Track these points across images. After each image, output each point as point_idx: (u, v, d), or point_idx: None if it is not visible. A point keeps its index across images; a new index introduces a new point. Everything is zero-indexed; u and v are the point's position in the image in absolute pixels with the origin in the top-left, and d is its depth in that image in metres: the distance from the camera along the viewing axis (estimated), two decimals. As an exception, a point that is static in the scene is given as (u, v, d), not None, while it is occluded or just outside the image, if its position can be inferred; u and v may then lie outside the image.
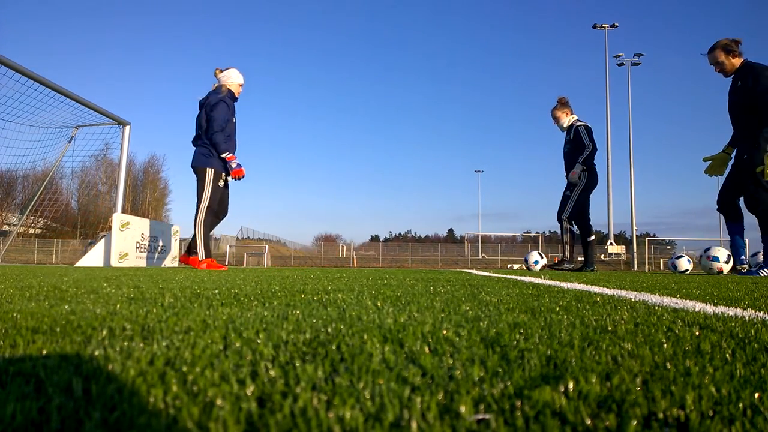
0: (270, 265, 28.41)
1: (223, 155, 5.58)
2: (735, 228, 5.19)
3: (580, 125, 6.41)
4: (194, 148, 5.74)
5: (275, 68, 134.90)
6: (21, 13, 78.46)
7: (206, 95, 5.76)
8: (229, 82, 5.83)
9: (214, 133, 5.52)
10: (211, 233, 6.07)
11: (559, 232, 6.60)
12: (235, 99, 5.89)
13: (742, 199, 5.09)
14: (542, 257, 7.77)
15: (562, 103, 6.63)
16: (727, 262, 5.55)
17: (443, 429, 0.38)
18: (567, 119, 6.57)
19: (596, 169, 6.42)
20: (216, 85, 5.85)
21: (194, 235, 5.70)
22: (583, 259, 6.61)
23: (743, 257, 5.40)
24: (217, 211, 5.80)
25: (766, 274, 5.01)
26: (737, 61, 4.95)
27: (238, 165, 5.67)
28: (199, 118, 5.70)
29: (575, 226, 6.49)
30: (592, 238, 6.58)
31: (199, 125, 5.70)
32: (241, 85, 5.92)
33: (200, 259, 5.60)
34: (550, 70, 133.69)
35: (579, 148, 6.34)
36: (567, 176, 6.47)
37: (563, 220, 6.43)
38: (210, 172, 5.60)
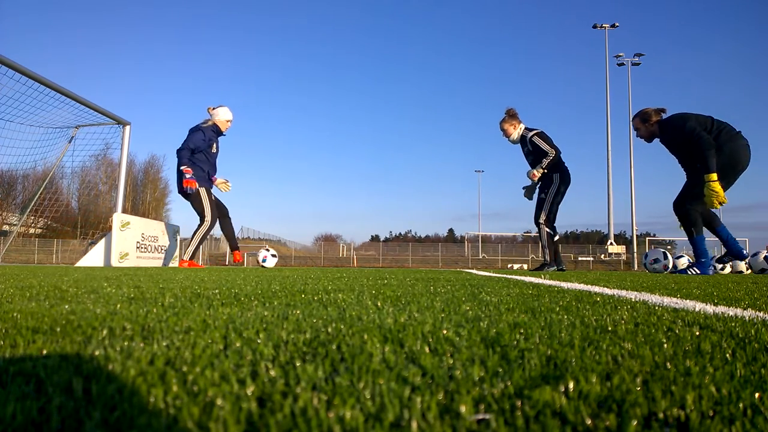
0: (270, 265, 28.34)
1: (182, 168, 6.45)
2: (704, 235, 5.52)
3: (533, 134, 6.37)
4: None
5: (275, 65, 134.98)
6: (20, 11, 78.48)
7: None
8: (216, 119, 6.78)
9: (181, 149, 6.45)
10: (211, 234, 7.33)
11: (537, 234, 6.64)
12: (220, 133, 6.88)
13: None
14: None
15: (511, 115, 6.52)
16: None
17: (443, 429, 0.38)
18: (516, 132, 6.50)
19: (567, 169, 6.45)
20: (205, 120, 6.78)
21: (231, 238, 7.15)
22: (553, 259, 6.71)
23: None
24: (218, 215, 6.90)
25: (693, 273, 5.41)
26: (653, 127, 5.53)
27: (191, 177, 6.50)
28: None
29: (551, 229, 6.54)
30: (557, 238, 6.66)
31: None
32: (228, 121, 6.86)
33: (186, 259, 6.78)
34: (551, 70, 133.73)
35: (542, 156, 6.34)
36: (527, 175, 6.56)
37: (540, 223, 6.45)
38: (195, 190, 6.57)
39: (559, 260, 6.62)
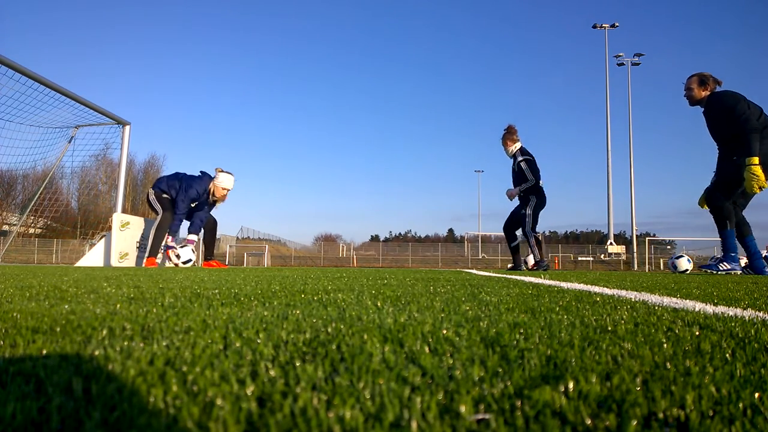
0: (270, 265, 28.40)
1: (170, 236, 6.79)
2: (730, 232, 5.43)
3: (522, 160, 7.03)
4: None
5: (274, 65, 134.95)
6: (20, 11, 78.38)
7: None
8: (216, 182, 6.93)
9: (179, 206, 6.70)
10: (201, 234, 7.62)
11: (526, 241, 7.28)
12: (211, 202, 7.06)
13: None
14: None
15: (510, 132, 7.22)
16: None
17: (443, 429, 0.38)
18: (511, 148, 7.19)
19: (544, 194, 7.16)
20: (209, 177, 6.99)
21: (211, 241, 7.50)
22: (513, 262, 7.54)
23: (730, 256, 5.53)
24: (206, 228, 7.37)
25: (724, 269, 5.26)
26: (705, 93, 5.36)
27: (167, 247, 6.80)
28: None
29: (536, 233, 7.22)
30: (519, 246, 7.48)
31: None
32: (225, 189, 6.99)
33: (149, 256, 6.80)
34: (551, 70, 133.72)
35: (522, 180, 7.07)
36: (506, 193, 7.34)
37: (527, 233, 7.11)
38: (151, 193, 6.86)
39: (519, 263, 7.43)
